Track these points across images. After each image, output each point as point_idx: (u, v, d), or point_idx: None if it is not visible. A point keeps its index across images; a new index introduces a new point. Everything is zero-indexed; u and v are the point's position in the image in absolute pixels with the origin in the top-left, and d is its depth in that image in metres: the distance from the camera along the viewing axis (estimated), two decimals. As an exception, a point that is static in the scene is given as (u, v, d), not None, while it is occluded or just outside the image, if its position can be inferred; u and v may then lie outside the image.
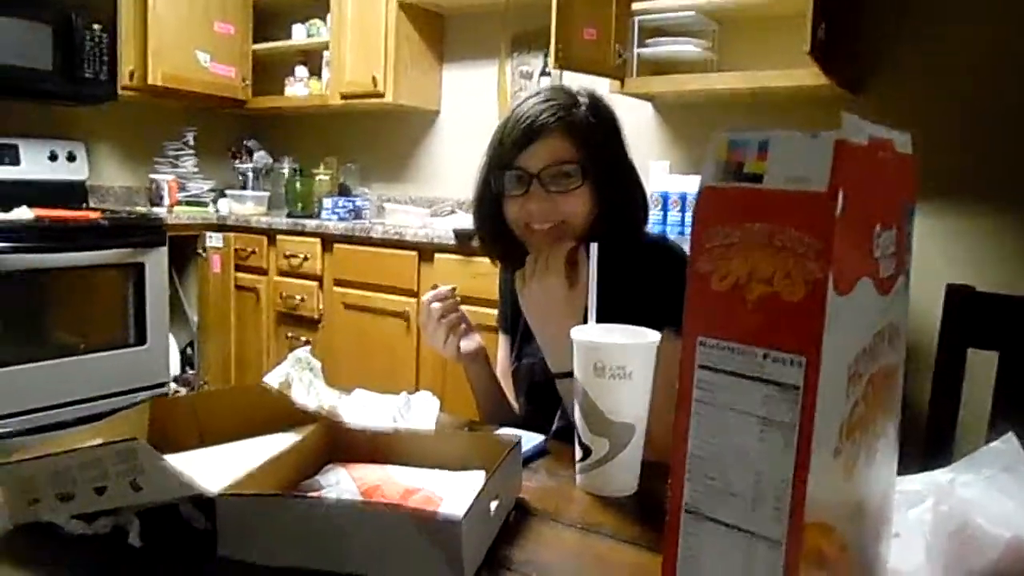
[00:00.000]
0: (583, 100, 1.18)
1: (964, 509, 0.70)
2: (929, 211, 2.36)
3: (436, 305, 1.20)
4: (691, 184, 2.58)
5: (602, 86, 2.61)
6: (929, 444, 1.21)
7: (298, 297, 3.16)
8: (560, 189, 1.13)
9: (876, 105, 2.43)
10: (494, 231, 1.24)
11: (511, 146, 1.15)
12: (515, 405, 1.32)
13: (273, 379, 0.96)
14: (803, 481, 0.39)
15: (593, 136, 1.15)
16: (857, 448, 0.45)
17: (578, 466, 0.90)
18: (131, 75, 3.30)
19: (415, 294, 2.83)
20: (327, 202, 3.33)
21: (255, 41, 3.76)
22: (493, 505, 0.75)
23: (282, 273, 3.25)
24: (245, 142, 3.92)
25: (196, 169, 3.74)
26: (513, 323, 1.33)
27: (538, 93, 1.20)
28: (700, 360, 0.42)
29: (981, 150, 2.30)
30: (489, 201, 1.22)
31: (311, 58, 3.70)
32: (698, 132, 2.82)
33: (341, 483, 0.83)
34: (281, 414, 0.93)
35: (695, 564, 0.43)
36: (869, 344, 0.45)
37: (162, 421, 0.93)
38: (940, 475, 0.82)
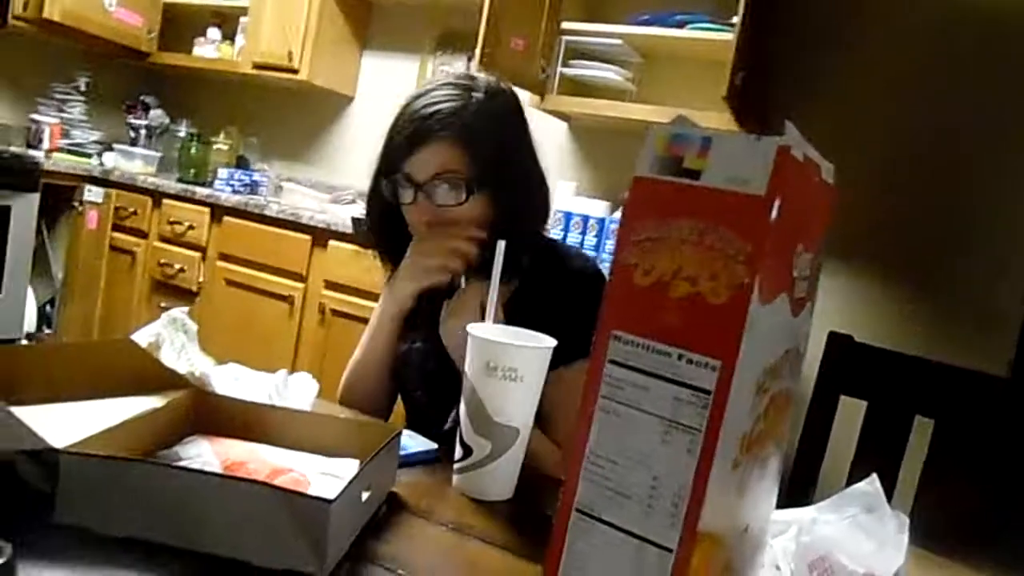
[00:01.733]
0: (477, 96, 1.09)
1: (825, 543, 0.72)
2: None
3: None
4: (596, 208, 2.61)
5: (522, 98, 2.62)
6: (792, 483, 1.25)
7: (178, 266, 3.00)
8: (447, 203, 1.07)
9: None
10: (380, 226, 1.19)
11: (398, 149, 1.08)
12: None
13: (142, 337, 0.88)
14: (702, 488, 0.38)
15: (485, 140, 1.08)
16: (752, 465, 0.45)
17: (456, 466, 0.87)
18: (25, 4, 3.06)
19: (303, 279, 2.73)
20: (222, 172, 3.19)
21: (169, -7, 3.58)
22: (365, 495, 0.71)
23: (164, 239, 3.07)
24: (143, 97, 3.71)
25: (84, 117, 3.51)
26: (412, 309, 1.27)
27: (429, 90, 1.10)
28: (611, 355, 0.40)
29: (874, 211, 2.43)
30: (380, 200, 1.15)
31: (226, 21, 3.55)
32: (608, 158, 2.86)
33: (203, 456, 0.77)
34: (146, 376, 0.85)
35: (580, 567, 0.41)
36: (777, 361, 0.44)
37: (7, 371, 0.84)
38: (806, 511, 0.84)
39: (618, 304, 0.40)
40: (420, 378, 1.20)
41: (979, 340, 2.24)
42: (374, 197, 1.18)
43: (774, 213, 0.36)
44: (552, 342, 0.86)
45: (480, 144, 1.07)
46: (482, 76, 1.15)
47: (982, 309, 2.29)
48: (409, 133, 1.07)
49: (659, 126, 0.41)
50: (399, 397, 1.28)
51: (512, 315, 1.00)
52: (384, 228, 1.19)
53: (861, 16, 2.47)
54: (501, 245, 0.94)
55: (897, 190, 2.41)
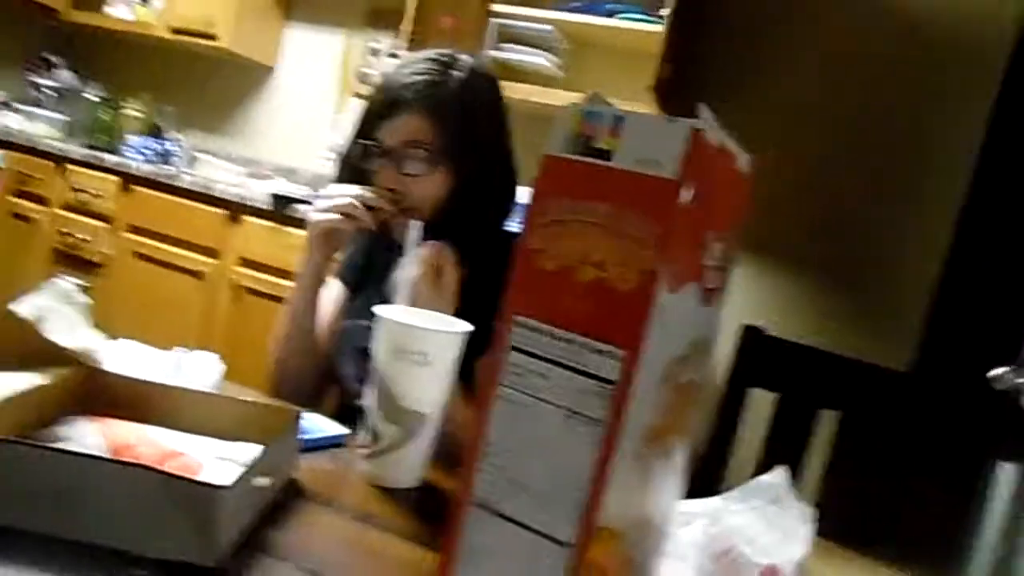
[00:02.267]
0: (457, 74, 1.10)
1: (731, 534, 0.72)
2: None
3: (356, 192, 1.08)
4: (521, 194, 2.59)
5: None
6: (701, 475, 1.27)
7: (82, 236, 2.85)
8: (411, 172, 1.08)
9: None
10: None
11: (373, 115, 1.09)
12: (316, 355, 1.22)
13: (24, 308, 0.82)
14: (603, 481, 0.36)
15: (457, 117, 1.08)
16: (656, 457, 0.44)
17: (363, 452, 0.84)
18: (-82, -50, 2.85)
19: (216, 255, 2.64)
20: (133, 139, 3.04)
21: (82, -52, 3.38)
22: (262, 481, 0.68)
23: (68, 207, 2.91)
24: (48, 55, 3.50)
25: (-18, 74, 3.30)
26: (359, 279, 1.24)
27: (411, 62, 1.11)
28: (514, 341, 0.38)
29: (792, 205, 2.49)
30: (349, 168, 1.15)
31: (143, -19, 3.38)
32: (534, 143, 2.83)
33: (87, 438, 0.72)
34: (28, 350, 0.79)
35: (476, 562, 0.40)
36: (684, 352, 0.43)
37: None
38: (713, 502, 0.85)
39: (523, 288, 0.38)
40: (356, 355, 1.17)
41: (885, 335, 2.32)
42: (346, 161, 1.16)
43: (685, 197, 0.35)
44: (465, 327, 0.84)
45: (450, 120, 1.08)
46: (465, 57, 1.14)
47: (888, 304, 2.38)
48: (384, 101, 1.08)
49: (572, 103, 0.39)
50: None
51: (464, 301, 0.97)
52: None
53: (790, 12, 2.51)
54: (416, 225, 0.92)
55: (815, 185, 2.48)
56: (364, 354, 1.15)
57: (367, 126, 1.11)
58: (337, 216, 1.07)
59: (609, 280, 0.36)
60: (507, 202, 1.20)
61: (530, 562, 0.38)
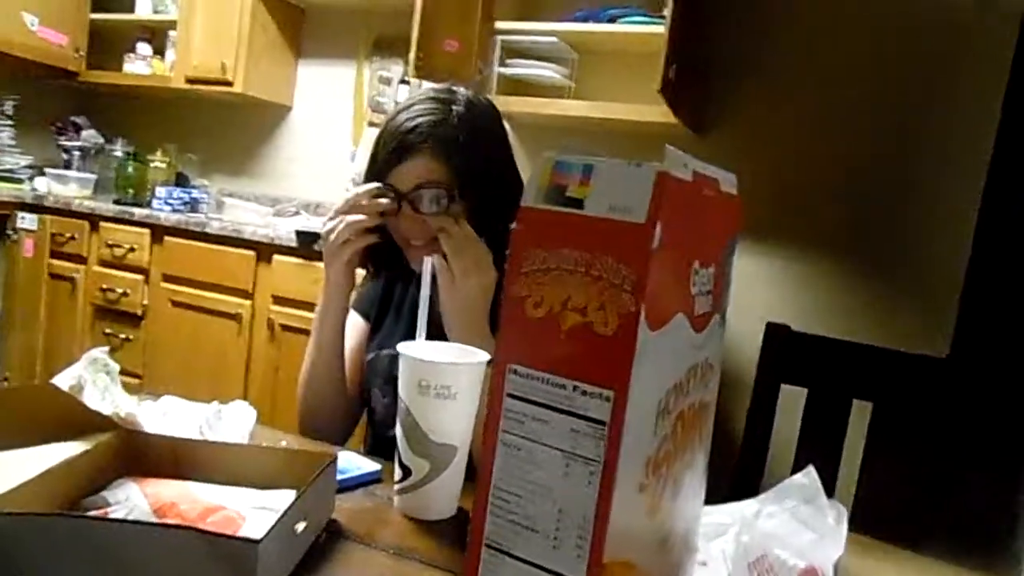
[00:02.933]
0: (457, 110, 1.13)
1: (764, 540, 0.72)
2: (756, 251, 2.51)
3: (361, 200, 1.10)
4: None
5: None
6: (739, 473, 1.27)
7: (120, 290, 2.93)
8: (430, 212, 1.10)
9: (719, 147, 2.57)
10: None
11: (382, 163, 1.12)
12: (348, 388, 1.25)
13: (63, 381, 0.86)
14: (605, 518, 0.38)
15: (465, 153, 1.11)
16: (663, 483, 0.45)
17: (396, 487, 0.86)
18: (-59, 30, 2.96)
19: (250, 295, 2.69)
20: (161, 191, 3.12)
21: (94, 9, 3.48)
22: (300, 527, 0.70)
23: (104, 263, 3.00)
24: (73, 118, 3.61)
25: (12, 142, 3.40)
26: (379, 310, 1.27)
27: (411, 105, 1.14)
28: (509, 389, 0.40)
29: (809, 201, 2.48)
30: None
31: (156, 36, 3.47)
32: (550, 155, 2.86)
33: (131, 499, 0.75)
34: (70, 419, 0.83)
35: (493, 603, 0.41)
36: (681, 380, 0.44)
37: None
38: (746, 506, 0.85)
39: (512, 337, 0.40)
40: (387, 384, 1.20)
41: (917, 328, 2.29)
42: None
43: (656, 240, 0.36)
44: (485, 356, 0.86)
45: (459, 155, 1.11)
46: (461, 90, 1.18)
47: (919, 296, 2.34)
48: (392, 147, 1.10)
49: (544, 155, 0.40)
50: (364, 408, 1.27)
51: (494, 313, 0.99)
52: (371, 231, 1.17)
53: (793, 5, 2.50)
54: (427, 263, 0.94)
55: (834, 176, 2.45)
56: (390, 384, 1.19)
57: (378, 175, 1.13)
58: (342, 225, 1.09)
59: (591, 325, 0.37)
60: None
61: (544, 600, 0.39)
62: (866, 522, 0.86)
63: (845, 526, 0.80)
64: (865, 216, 2.42)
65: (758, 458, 1.26)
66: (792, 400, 1.27)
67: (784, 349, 1.26)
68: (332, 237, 1.10)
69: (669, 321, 0.40)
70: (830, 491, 0.98)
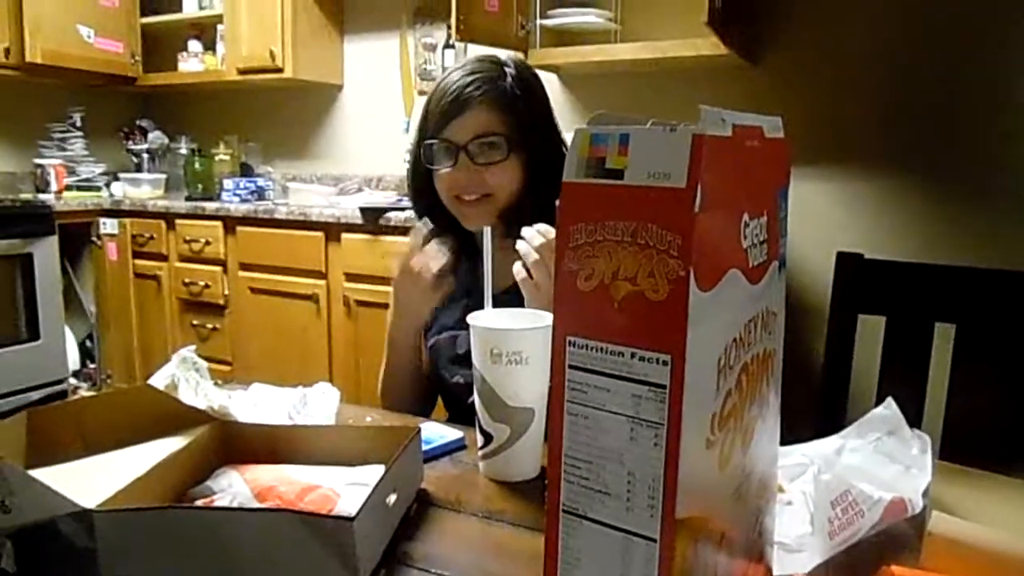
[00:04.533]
0: (509, 71, 1.18)
1: (846, 476, 0.72)
2: (820, 179, 2.43)
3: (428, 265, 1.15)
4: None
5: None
6: (823, 406, 1.26)
7: (202, 283, 3.05)
8: (486, 161, 1.14)
9: (773, 74, 2.49)
10: (428, 204, 1.23)
11: (439, 117, 1.15)
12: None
13: (158, 381, 0.91)
14: (674, 477, 0.39)
15: (519, 108, 1.16)
16: (732, 435, 0.45)
17: (480, 453, 0.89)
18: (6, 52, 3.09)
19: (323, 275, 2.77)
20: (228, 183, 3.21)
21: (143, 14, 3.58)
22: (391, 499, 0.74)
23: (183, 259, 3.12)
24: (138, 122, 3.74)
25: (86, 152, 3.55)
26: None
27: (464, 65, 1.19)
28: (570, 360, 0.41)
29: (871, 121, 2.38)
30: (420, 174, 1.22)
31: (205, 32, 3.54)
32: (604, 102, 2.83)
33: (233, 486, 0.80)
34: (170, 416, 0.88)
35: (576, 563, 0.43)
36: (741, 334, 0.45)
37: (42, 432, 0.87)
38: (827, 443, 0.85)
39: (567, 310, 0.41)
40: (454, 364, 1.24)
41: (998, 239, 2.19)
42: (415, 169, 1.24)
43: (697, 204, 0.36)
44: (550, 318, 0.87)
45: (515, 111, 1.16)
46: (508, 57, 1.24)
47: (999, 205, 2.23)
48: (450, 100, 1.15)
49: (580, 128, 0.41)
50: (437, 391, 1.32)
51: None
52: (429, 204, 1.23)
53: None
54: (487, 231, 0.95)
55: (898, 95, 2.34)
56: (456, 360, 1.22)
57: (432, 131, 1.17)
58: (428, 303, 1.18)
59: (643, 292, 0.38)
60: None
61: (624, 558, 0.41)
62: (955, 450, 0.85)
63: (930, 455, 0.79)
64: (931, 135, 2.31)
65: (840, 392, 1.24)
66: (871, 330, 1.25)
67: (858, 278, 1.23)
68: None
69: (722, 279, 0.41)
70: (916, 421, 0.97)
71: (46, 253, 2.92)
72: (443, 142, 1.15)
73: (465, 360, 1.19)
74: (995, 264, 1.19)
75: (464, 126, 1.14)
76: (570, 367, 0.41)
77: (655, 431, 0.39)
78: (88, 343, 3.44)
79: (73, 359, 3.25)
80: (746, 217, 0.44)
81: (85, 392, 3.08)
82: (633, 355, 0.39)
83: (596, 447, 0.41)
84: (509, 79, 1.17)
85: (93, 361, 3.41)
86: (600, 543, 0.42)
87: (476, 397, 0.88)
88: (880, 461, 0.81)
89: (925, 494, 0.75)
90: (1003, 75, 2.20)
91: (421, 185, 1.23)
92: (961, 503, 0.68)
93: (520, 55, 2.58)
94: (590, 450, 0.41)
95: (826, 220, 2.43)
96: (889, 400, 0.82)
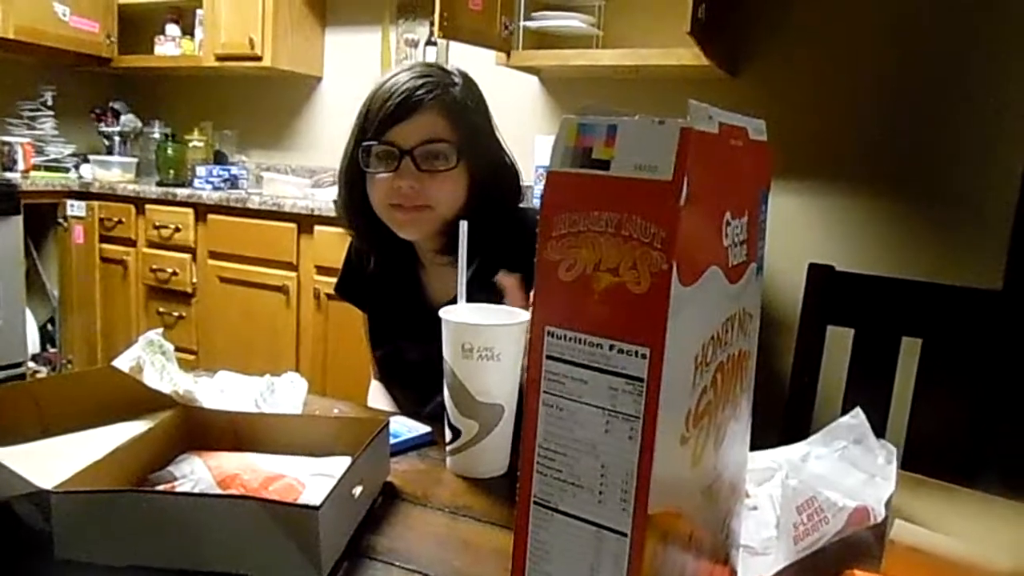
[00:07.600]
0: (457, 80, 1.14)
1: (813, 483, 0.73)
2: (795, 192, 2.46)
3: None
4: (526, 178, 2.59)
5: (488, 58, 2.59)
6: (789, 415, 1.27)
7: (169, 270, 3.00)
8: (432, 168, 1.09)
9: (755, 87, 2.51)
10: (359, 208, 1.17)
11: (384, 119, 1.09)
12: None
13: (123, 363, 0.89)
14: (647, 472, 0.38)
15: (469, 118, 1.13)
16: (705, 434, 0.45)
17: (448, 448, 0.89)
18: (-23, 26, 3.02)
19: (294, 267, 2.74)
20: (201, 170, 3.17)
21: (121, -5, 3.52)
22: (357, 491, 0.73)
23: (152, 244, 3.07)
24: (111, 104, 3.68)
25: (56, 132, 3.48)
26: (374, 301, 1.30)
27: (410, 68, 1.14)
28: (548, 351, 0.41)
29: (849, 135, 2.41)
30: (354, 177, 1.15)
31: (183, 16, 3.49)
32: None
33: (196, 473, 0.78)
34: (133, 400, 0.87)
35: (545, 556, 0.43)
36: (718, 332, 0.45)
37: (-1, 411, 0.85)
38: (794, 449, 0.85)
39: (547, 300, 0.41)
40: (408, 373, 1.23)
41: (968, 257, 2.23)
42: (349, 174, 1.17)
43: (682, 197, 0.36)
44: (525, 315, 0.87)
45: (466, 119, 1.12)
46: (454, 67, 1.19)
47: (970, 224, 2.28)
48: (397, 102, 1.09)
49: (567, 117, 0.41)
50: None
51: (474, 292, 0.98)
52: (360, 208, 1.18)
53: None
54: (464, 225, 0.94)
55: (874, 113, 2.38)
56: (409, 368, 1.21)
57: (375, 132, 1.10)
58: None
59: (624, 284, 0.38)
60: (517, 187, 1.22)
61: (595, 552, 0.40)
62: (918, 461, 0.86)
63: (895, 465, 0.80)
64: (908, 152, 2.35)
65: (806, 401, 1.25)
66: (839, 341, 1.26)
67: (828, 290, 1.24)
68: None
69: (702, 275, 0.41)
70: (880, 431, 0.98)
71: (9, 233, 2.85)
72: (385, 145, 1.09)
73: (416, 367, 1.17)
74: (963, 281, 1.21)
75: (411, 130, 1.08)
76: (548, 358, 0.41)
77: (630, 424, 0.38)
78: (49, 327, 3.37)
79: (33, 342, 3.18)
80: (728, 216, 0.44)
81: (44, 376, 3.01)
82: (612, 347, 0.39)
83: (571, 439, 0.40)
84: (459, 88, 1.13)
85: (54, 345, 3.35)
86: (571, 536, 0.41)
87: (445, 391, 0.87)
88: (844, 469, 0.82)
89: (888, 503, 0.76)
90: (980, 93, 2.25)
91: (354, 191, 1.16)
92: (922, 513, 0.69)
93: (502, 55, 2.58)
94: (564, 442, 0.41)
95: (800, 232, 2.46)
96: (857, 410, 0.83)
